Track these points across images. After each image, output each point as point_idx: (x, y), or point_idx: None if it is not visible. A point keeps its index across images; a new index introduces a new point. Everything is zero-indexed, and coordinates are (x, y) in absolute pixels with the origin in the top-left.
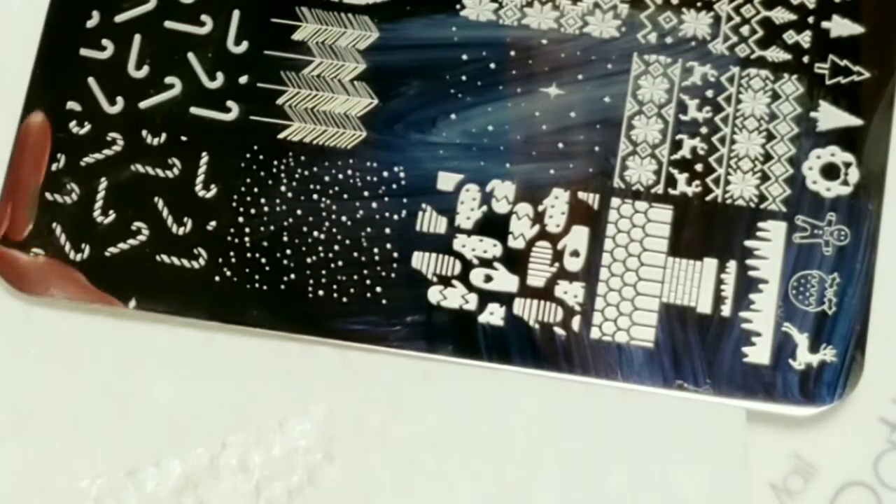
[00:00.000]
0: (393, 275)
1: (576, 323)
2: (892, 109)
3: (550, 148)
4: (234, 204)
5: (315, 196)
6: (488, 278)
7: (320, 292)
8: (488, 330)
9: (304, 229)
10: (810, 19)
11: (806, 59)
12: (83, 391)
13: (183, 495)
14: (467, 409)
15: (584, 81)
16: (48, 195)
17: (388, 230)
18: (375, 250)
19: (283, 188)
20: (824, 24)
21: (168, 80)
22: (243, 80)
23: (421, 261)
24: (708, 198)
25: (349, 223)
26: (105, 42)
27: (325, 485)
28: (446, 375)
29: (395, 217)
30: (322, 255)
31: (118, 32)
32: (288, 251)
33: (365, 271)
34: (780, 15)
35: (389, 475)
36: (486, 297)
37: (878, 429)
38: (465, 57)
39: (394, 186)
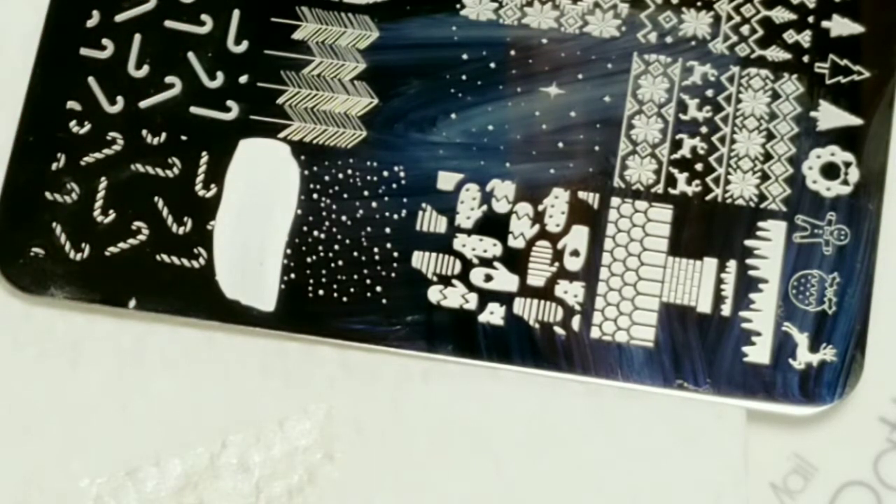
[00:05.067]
0: (393, 274)
1: (576, 322)
2: (892, 109)
3: (550, 147)
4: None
5: (315, 196)
6: (488, 278)
7: (320, 292)
8: (488, 329)
9: (304, 229)
10: (810, 19)
11: (806, 58)
12: (83, 391)
13: (183, 495)
14: (467, 409)
15: (584, 81)
16: (48, 195)
17: (388, 230)
18: (375, 250)
19: None
20: (824, 24)
21: (168, 79)
22: (243, 79)
23: (421, 260)
24: (708, 197)
25: (349, 223)
26: (105, 41)
27: (325, 485)
28: (446, 375)
29: (395, 217)
30: (322, 254)
31: (118, 32)
32: (288, 251)
33: (365, 271)
34: (780, 14)
35: (389, 475)
36: (486, 297)
37: (878, 428)
38: (465, 56)
39: (394, 186)
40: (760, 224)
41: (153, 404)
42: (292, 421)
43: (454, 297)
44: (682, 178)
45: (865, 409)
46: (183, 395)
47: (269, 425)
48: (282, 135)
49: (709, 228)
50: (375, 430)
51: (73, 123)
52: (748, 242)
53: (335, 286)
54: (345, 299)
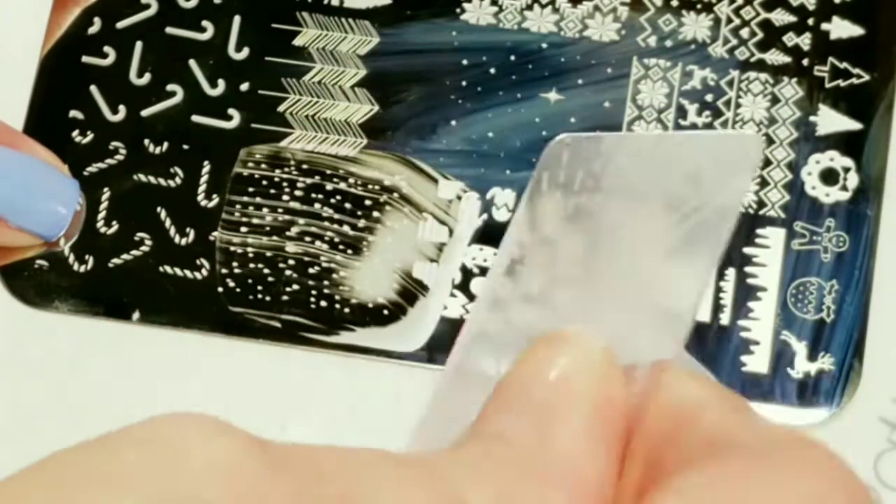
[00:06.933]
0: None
1: None
2: (891, 112)
3: None
4: (237, 214)
5: (317, 205)
6: None
7: (322, 303)
8: None
9: (307, 239)
10: (810, 21)
11: (806, 61)
12: (85, 395)
13: None
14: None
15: (583, 86)
16: None
17: (389, 239)
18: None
19: (285, 197)
20: (824, 26)
21: (170, 87)
22: (244, 87)
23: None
24: None
25: (351, 232)
26: (107, 49)
27: None
28: None
29: (396, 226)
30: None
31: (120, 39)
32: (290, 261)
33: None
34: (780, 17)
35: None
36: None
37: (878, 429)
38: (465, 62)
39: (395, 195)
40: (759, 231)
41: (155, 410)
42: (294, 425)
43: (455, 308)
44: None
45: (865, 409)
46: (185, 400)
47: (270, 430)
48: (283, 143)
49: None
50: (377, 434)
51: (75, 133)
52: (747, 250)
53: (337, 296)
54: (346, 310)
